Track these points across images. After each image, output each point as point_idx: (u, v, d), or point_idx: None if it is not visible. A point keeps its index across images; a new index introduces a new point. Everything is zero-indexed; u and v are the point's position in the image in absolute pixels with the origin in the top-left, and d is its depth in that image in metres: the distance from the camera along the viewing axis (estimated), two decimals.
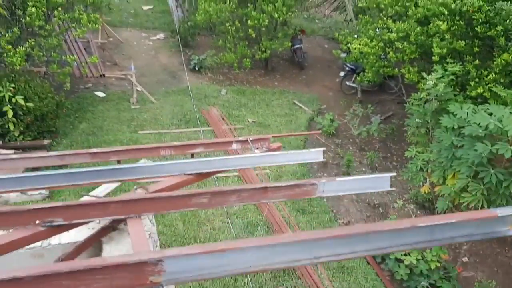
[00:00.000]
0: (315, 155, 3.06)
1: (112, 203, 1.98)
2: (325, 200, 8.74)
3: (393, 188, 2.58)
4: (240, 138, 3.80)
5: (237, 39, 12.64)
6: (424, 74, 8.08)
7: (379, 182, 2.40)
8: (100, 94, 11.66)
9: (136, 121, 10.73)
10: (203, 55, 13.66)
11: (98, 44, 13.39)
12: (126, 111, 11.08)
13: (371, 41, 9.57)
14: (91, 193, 8.02)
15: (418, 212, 8.66)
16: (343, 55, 12.33)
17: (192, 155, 3.77)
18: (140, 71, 12.91)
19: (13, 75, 9.10)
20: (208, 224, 7.76)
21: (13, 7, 9.56)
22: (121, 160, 3.53)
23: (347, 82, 12.71)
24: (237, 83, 13.18)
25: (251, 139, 3.80)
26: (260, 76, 13.65)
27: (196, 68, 13.42)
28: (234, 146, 3.81)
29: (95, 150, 3.40)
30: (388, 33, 9.22)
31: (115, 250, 2.08)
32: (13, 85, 8.64)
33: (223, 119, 11.05)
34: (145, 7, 17.97)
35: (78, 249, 2.10)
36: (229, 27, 12.39)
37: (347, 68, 12.58)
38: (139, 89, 11.77)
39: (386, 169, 9.88)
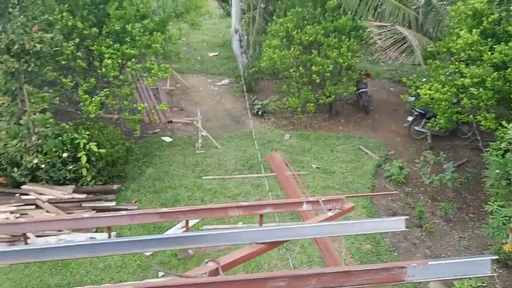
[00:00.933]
0: (396, 224, 2.81)
1: (184, 287, 1.86)
2: (396, 254, 8.21)
3: (494, 274, 2.25)
4: (311, 199, 3.63)
5: (300, 84, 12.64)
6: (503, 122, 7.54)
7: (476, 266, 2.11)
8: (167, 139, 11.98)
9: (201, 166, 10.85)
10: (266, 100, 13.76)
11: (166, 90, 13.91)
12: (191, 156, 11.26)
13: (443, 86, 9.16)
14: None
15: (501, 271, 7.88)
16: (411, 99, 11.90)
17: (261, 216, 3.63)
18: (205, 116, 13.19)
19: (88, 123, 9.58)
20: None
21: (91, 59, 10.20)
22: (188, 220, 3.46)
23: (415, 127, 12.20)
24: (301, 127, 13.08)
25: (322, 199, 3.61)
26: (324, 121, 13.47)
27: (260, 113, 13.51)
28: (305, 207, 3.63)
29: (164, 210, 3.36)
30: (461, 78, 8.79)
31: None
32: (88, 133, 9.07)
33: (287, 165, 10.90)
34: (211, 54, 18.61)
35: None
36: (293, 73, 12.44)
37: (415, 113, 12.11)
38: (204, 134, 11.97)
39: (462, 222, 9.19)
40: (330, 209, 3.58)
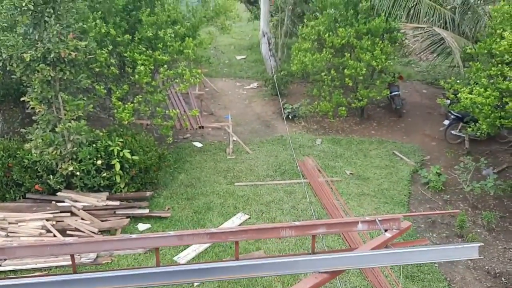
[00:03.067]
0: (469, 251, 2.61)
1: None
2: (436, 265, 7.90)
3: None
4: (367, 218, 3.44)
5: (332, 88, 12.41)
6: None
7: None
8: (198, 144, 11.93)
9: (232, 172, 10.74)
10: (296, 104, 13.57)
11: (196, 95, 13.87)
12: (222, 162, 11.17)
13: (485, 90, 8.80)
14: (178, 257, 7.89)
15: None
16: (448, 102, 11.53)
17: (314, 237, 3.47)
18: (235, 120, 13.09)
19: (121, 129, 9.57)
20: None
21: (123, 66, 10.21)
22: (239, 241, 3.31)
23: (452, 131, 11.82)
24: (332, 132, 12.84)
25: (379, 219, 3.42)
26: (355, 125, 13.20)
27: (290, 117, 13.33)
28: (360, 226, 3.45)
29: (213, 230, 3.23)
30: (506, 82, 8.42)
31: None
32: (121, 140, 9.05)
33: (319, 171, 10.69)
34: (239, 57, 18.54)
35: None
36: (325, 76, 12.22)
37: (452, 116, 11.72)
38: (235, 139, 11.86)
39: (506, 231, 8.81)
40: (386, 230, 3.40)
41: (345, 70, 11.85)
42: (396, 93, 13.35)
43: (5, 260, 3.00)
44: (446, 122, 11.98)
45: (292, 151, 11.39)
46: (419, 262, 2.55)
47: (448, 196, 9.83)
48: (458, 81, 10.47)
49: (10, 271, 7.12)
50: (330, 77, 12.19)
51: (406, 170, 10.80)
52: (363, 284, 7.41)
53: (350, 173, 10.73)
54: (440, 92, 13.31)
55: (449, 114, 11.87)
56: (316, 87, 12.91)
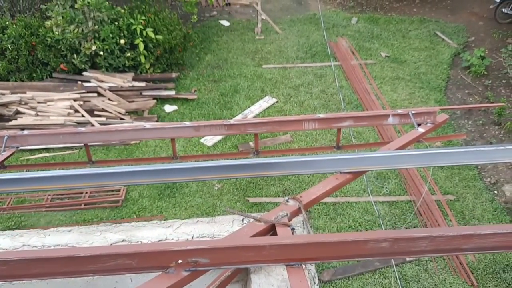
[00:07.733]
0: None
1: (267, 247, 1.55)
2: None
3: None
4: (399, 111, 3.13)
5: None
6: None
7: None
8: (225, 23, 11.32)
9: (260, 53, 10.28)
10: None
11: None
12: (250, 42, 10.66)
13: None
14: (204, 139, 7.89)
15: None
16: None
17: (339, 131, 3.22)
18: None
19: (144, 6, 9.06)
20: None
21: None
22: (258, 133, 3.11)
23: (503, 9, 10.70)
24: (370, 10, 11.88)
25: (413, 112, 3.11)
26: (396, 1, 12.12)
27: None
28: (391, 120, 3.16)
29: (231, 121, 3.02)
30: None
31: (266, 284, 1.70)
32: (144, 18, 8.59)
33: (353, 53, 10.10)
34: None
35: (223, 282, 1.75)
36: None
37: None
38: (264, 18, 11.17)
39: None
40: (419, 124, 3.12)
41: None
42: None
43: (17, 148, 2.92)
44: None
45: (324, 32, 10.68)
46: (455, 164, 2.29)
47: (490, 82, 9.21)
48: None
49: (36, 150, 7.37)
50: None
51: (447, 53, 10.06)
52: (390, 170, 7.33)
53: (386, 56, 10.09)
54: None
55: None
56: None
